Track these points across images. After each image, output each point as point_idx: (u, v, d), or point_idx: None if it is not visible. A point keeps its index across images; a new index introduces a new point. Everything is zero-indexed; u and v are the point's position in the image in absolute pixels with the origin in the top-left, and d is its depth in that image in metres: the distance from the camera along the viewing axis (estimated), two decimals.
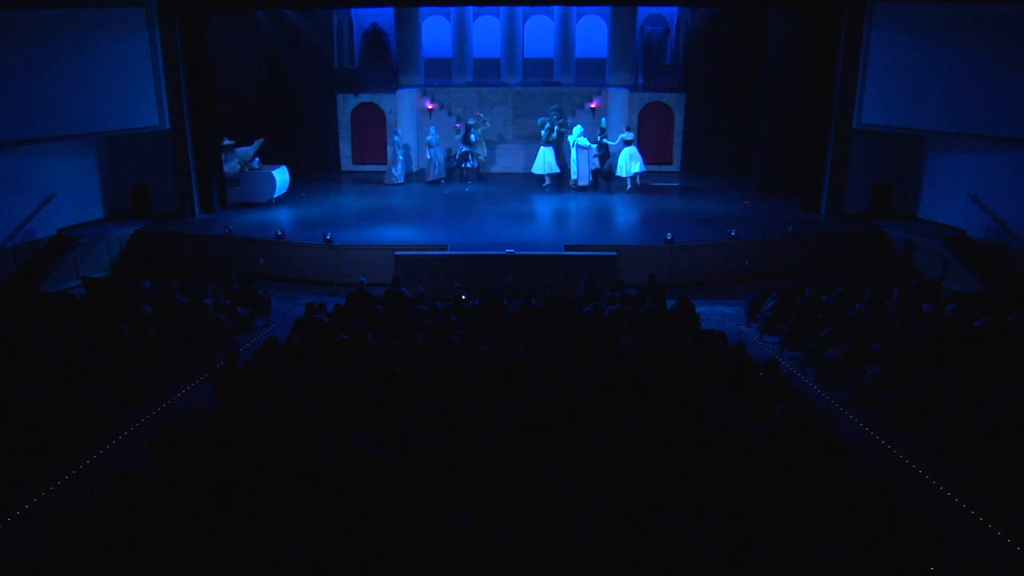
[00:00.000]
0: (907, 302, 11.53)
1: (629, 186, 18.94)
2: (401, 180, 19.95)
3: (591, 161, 19.12)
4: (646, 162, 19.47)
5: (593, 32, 24.06)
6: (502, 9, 23.44)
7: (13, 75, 14.03)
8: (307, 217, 16.90)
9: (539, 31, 24.41)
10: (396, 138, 19.99)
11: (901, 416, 8.68)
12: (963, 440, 7.86)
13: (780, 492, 6.60)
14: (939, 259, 14.95)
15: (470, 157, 20.18)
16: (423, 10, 22.89)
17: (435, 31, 23.96)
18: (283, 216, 17.05)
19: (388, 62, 23.44)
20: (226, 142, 18.05)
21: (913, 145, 16.61)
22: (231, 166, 18.04)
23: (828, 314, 11.28)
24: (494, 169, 21.34)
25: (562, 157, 19.42)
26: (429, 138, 19.88)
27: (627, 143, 18.92)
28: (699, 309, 11.96)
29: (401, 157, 20.00)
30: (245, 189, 17.84)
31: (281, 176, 18.23)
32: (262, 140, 18.65)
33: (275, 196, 17.94)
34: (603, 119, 19.94)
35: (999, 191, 15.02)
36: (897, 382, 9.16)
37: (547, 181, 19.49)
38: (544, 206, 17.97)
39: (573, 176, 19.03)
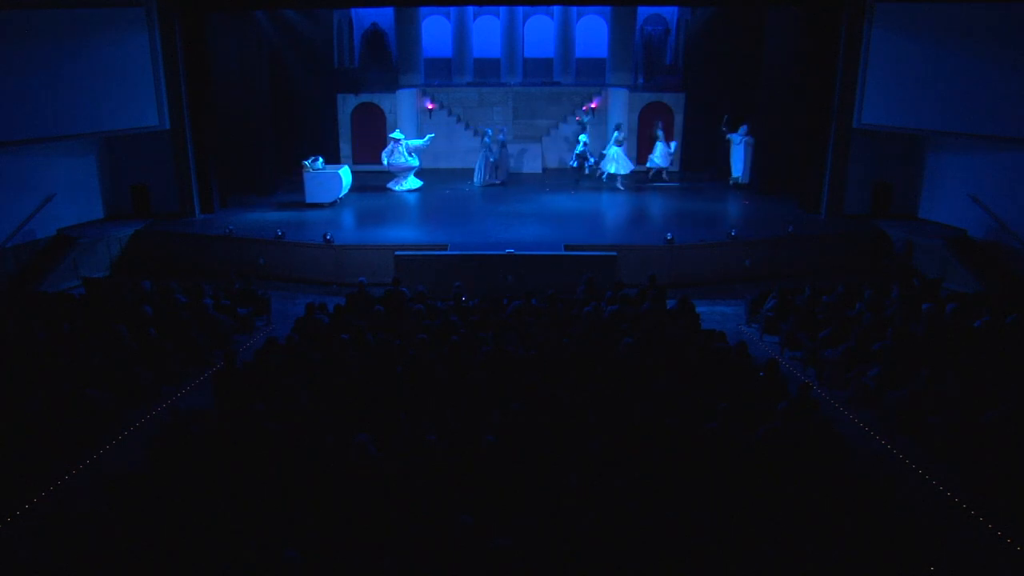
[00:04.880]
0: (907, 302, 11.53)
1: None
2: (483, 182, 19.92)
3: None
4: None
5: (593, 32, 24.08)
6: (502, 9, 23.47)
7: (13, 75, 14.03)
8: (307, 217, 16.89)
9: (539, 31, 24.44)
10: (486, 139, 19.76)
11: (901, 416, 8.68)
12: (963, 440, 7.86)
13: (780, 492, 6.60)
14: (939, 259, 14.96)
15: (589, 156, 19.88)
16: (423, 10, 22.91)
17: (435, 31, 23.98)
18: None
19: (388, 62, 23.45)
20: (396, 134, 18.88)
21: (913, 145, 16.61)
22: (393, 162, 18.79)
23: (828, 314, 11.28)
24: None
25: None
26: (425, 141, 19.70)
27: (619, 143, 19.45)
28: (699, 309, 11.95)
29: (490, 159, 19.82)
30: (310, 190, 17.59)
31: (346, 176, 18.15)
32: (433, 135, 19.58)
33: (340, 196, 17.86)
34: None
35: (999, 191, 15.02)
36: (897, 382, 9.16)
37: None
38: (544, 206, 17.96)
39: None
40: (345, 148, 21.52)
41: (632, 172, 19.51)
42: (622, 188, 19.20)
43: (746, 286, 14.14)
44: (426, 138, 19.39)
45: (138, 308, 11.23)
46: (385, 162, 19.12)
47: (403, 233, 15.84)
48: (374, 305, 11.49)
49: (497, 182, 19.74)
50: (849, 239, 15.86)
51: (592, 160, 19.67)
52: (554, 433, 7.43)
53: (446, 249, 14.62)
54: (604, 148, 19.66)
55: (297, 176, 19.45)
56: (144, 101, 15.82)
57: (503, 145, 19.86)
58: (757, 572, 5.66)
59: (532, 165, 21.41)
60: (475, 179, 19.84)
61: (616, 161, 19.23)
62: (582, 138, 19.78)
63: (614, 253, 14.32)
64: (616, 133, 19.41)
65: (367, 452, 6.88)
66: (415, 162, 19.17)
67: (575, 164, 19.91)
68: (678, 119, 21.39)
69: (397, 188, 19.22)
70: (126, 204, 16.94)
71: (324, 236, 14.79)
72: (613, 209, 17.92)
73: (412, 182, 19.32)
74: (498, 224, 16.34)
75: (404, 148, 18.94)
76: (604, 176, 19.46)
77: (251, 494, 6.49)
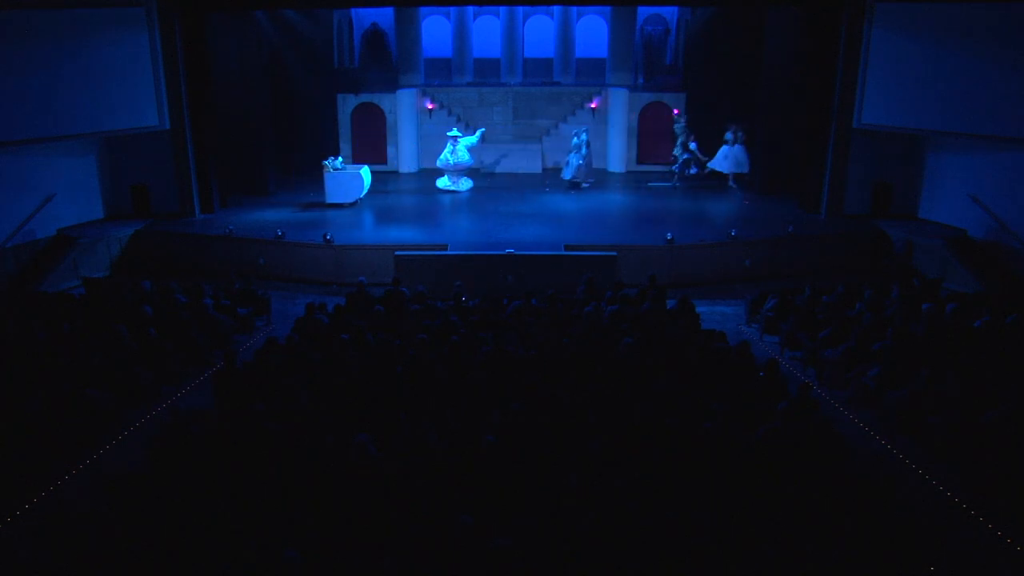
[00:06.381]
0: (907, 302, 11.54)
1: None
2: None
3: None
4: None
5: (593, 32, 24.06)
6: (502, 9, 23.46)
7: (13, 75, 14.04)
8: (307, 217, 16.88)
9: (539, 31, 24.41)
10: (575, 140, 19.38)
11: (901, 416, 8.68)
12: (963, 440, 7.86)
13: (780, 492, 6.60)
14: (939, 259, 14.96)
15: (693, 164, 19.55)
16: (423, 10, 22.89)
17: (435, 31, 23.96)
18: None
19: (388, 62, 23.43)
20: (453, 131, 18.78)
21: (913, 145, 16.61)
22: (459, 160, 18.61)
23: (828, 314, 11.28)
24: (496, 170, 21.34)
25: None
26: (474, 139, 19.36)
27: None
28: (699, 309, 11.96)
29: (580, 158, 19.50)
30: (330, 190, 17.41)
31: (367, 177, 17.97)
32: (484, 129, 19.51)
33: (360, 196, 17.73)
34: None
35: (999, 191, 15.03)
36: (897, 382, 9.16)
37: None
38: (544, 206, 17.96)
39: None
40: (345, 148, 21.45)
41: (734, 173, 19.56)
42: (734, 187, 19.33)
43: (746, 286, 14.14)
44: (477, 133, 19.25)
45: (138, 308, 11.23)
46: (451, 162, 18.75)
47: (403, 233, 15.83)
48: (374, 305, 11.49)
49: (586, 183, 19.40)
50: (849, 239, 15.87)
51: (695, 170, 19.45)
52: (554, 433, 7.43)
53: (446, 249, 14.63)
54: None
55: (298, 176, 19.53)
56: (144, 101, 15.83)
57: (588, 144, 19.60)
58: (757, 572, 5.66)
59: (532, 165, 21.38)
60: (564, 175, 19.52)
61: (722, 160, 19.39)
62: (691, 146, 19.46)
63: (614, 253, 14.33)
64: (728, 134, 19.37)
65: (367, 452, 6.88)
66: (471, 160, 19.07)
67: (684, 171, 19.55)
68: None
69: (457, 188, 18.96)
70: (126, 204, 16.95)
71: (324, 236, 14.79)
72: (613, 209, 17.91)
73: (466, 182, 19.19)
74: (498, 224, 16.34)
75: (463, 145, 18.79)
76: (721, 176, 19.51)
77: (251, 494, 6.50)
